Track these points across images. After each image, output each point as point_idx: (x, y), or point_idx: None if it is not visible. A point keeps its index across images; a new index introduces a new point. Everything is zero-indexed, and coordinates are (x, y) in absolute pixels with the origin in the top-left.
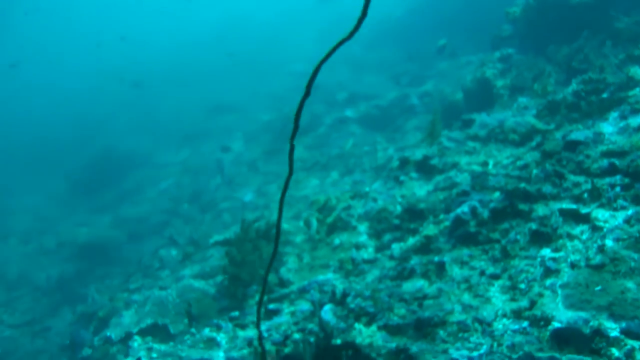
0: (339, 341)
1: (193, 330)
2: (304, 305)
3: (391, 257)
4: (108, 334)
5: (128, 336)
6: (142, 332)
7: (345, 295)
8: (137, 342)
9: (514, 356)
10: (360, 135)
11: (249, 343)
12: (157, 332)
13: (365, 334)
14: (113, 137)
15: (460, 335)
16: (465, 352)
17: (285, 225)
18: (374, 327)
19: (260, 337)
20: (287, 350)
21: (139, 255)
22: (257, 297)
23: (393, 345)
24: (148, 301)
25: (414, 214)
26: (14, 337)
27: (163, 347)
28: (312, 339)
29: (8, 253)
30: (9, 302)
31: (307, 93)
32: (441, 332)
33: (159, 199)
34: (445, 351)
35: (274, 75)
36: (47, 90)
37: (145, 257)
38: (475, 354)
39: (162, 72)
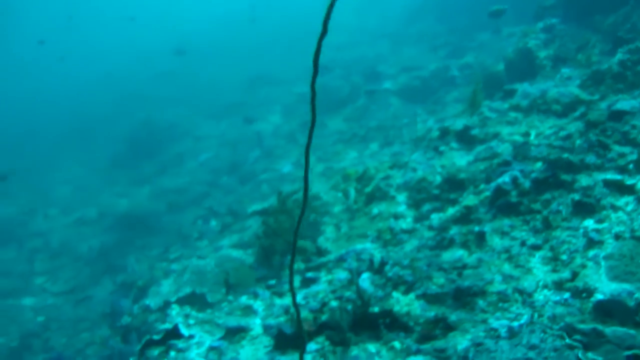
0: (376, 309)
1: (230, 297)
2: (342, 274)
3: (430, 227)
4: (147, 302)
5: (166, 304)
6: (180, 301)
7: (383, 263)
8: (175, 310)
9: (555, 327)
10: (400, 107)
11: (286, 310)
12: (195, 300)
13: (403, 303)
14: (153, 109)
15: (500, 305)
16: (505, 322)
17: (323, 196)
18: (412, 296)
19: (294, 298)
20: (324, 317)
21: (178, 226)
22: (294, 266)
23: (431, 314)
24: (186, 270)
25: (454, 184)
26: (57, 305)
27: (200, 314)
28: (349, 307)
29: (51, 223)
30: (52, 271)
31: (324, 31)
32: (480, 302)
33: (199, 170)
34: (484, 321)
35: (313, 47)
36: (87, 66)
37: (184, 228)
38: (515, 324)
39: (201, 46)
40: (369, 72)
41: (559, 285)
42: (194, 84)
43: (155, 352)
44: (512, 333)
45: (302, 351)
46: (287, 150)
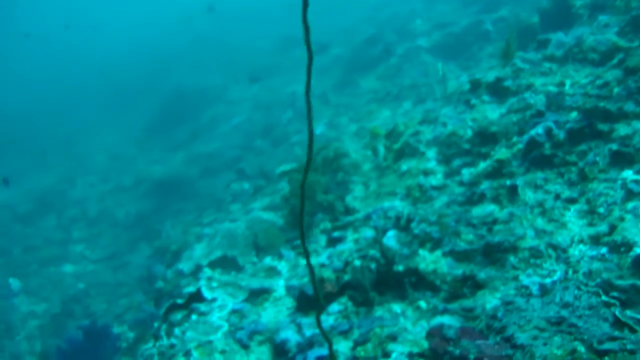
0: (401, 268)
1: (254, 259)
2: (368, 233)
3: (461, 183)
4: (180, 266)
5: (198, 268)
6: (212, 264)
7: (409, 220)
8: (206, 274)
9: (591, 283)
10: (433, 64)
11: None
12: (226, 263)
13: (429, 260)
14: (185, 75)
15: (532, 261)
16: (536, 279)
17: (352, 154)
18: (438, 253)
19: (308, 258)
20: (346, 277)
21: (212, 190)
22: (321, 226)
23: (459, 272)
24: (218, 234)
25: (485, 138)
26: (96, 272)
27: (224, 277)
28: (372, 266)
29: (89, 191)
30: (91, 238)
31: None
32: (511, 258)
33: (232, 134)
34: (515, 278)
35: (345, 8)
36: (120, 36)
37: (218, 192)
38: (547, 280)
39: (232, 9)
40: (401, 30)
41: (595, 240)
42: (225, 48)
43: (179, 316)
44: (545, 290)
45: (318, 313)
46: (320, 112)
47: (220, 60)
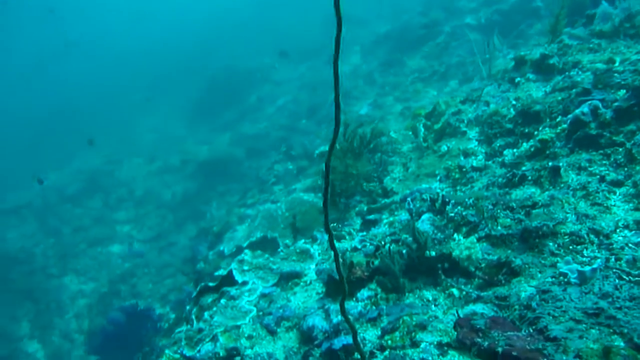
0: (433, 253)
1: (288, 242)
2: (404, 216)
3: (502, 164)
4: (221, 248)
5: (239, 250)
6: (252, 246)
7: (445, 203)
8: (247, 255)
9: (635, 272)
10: (480, 42)
11: (342, 254)
12: (266, 245)
13: (463, 246)
14: (232, 57)
15: (571, 247)
16: (575, 267)
17: (393, 135)
18: (473, 238)
19: (332, 240)
20: (376, 262)
21: (257, 171)
22: (357, 208)
23: (494, 257)
24: (259, 215)
25: (528, 117)
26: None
27: (256, 259)
28: (404, 251)
29: (136, 171)
30: (138, 218)
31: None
32: (550, 244)
33: (277, 115)
34: (553, 265)
35: None
36: (170, 20)
37: (262, 173)
38: (587, 268)
39: None
40: (449, 7)
41: None
42: (272, 31)
43: (209, 299)
44: (584, 279)
45: (342, 300)
46: (365, 92)
47: (268, 42)
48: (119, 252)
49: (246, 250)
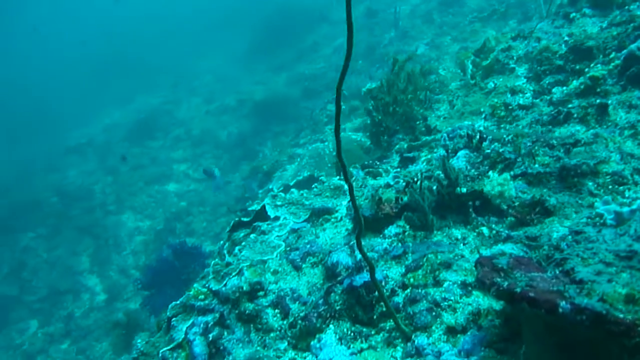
0: (464, 189)
1: (323, 175)
2: (442, 152)
3: (550, 102)
4: (270, 186)
5: (286, 189)
6: (298, 185)
7: (482, 139)
8: (294, 194)
9: None
10: None
11: (375, 191)
12: (312, 184)
13: (496, 182)
14: None
15: (612, 187)
16: (613, 207)
17: (441, 72)
18: (507, 175)
19: (346, 174)
20: (405, 198)
21: (311, 111)
22: (397, 146)
23: (528, 196)
24: (307, 154)
25: (580, 53)
26: (198, 191)
27: (289, 195)
28: (434, 187)
29: (194, 112)
30: (194, 158)
31: None
32: (589, 184)
33: (334, 55)
34: (590, 205)
35: None
36: None
37: (315, 113)
38: (625, 209)
39: None
40: None
41: None
42: None
43: (241, 234)
44: (621, 220)
45: (358, 236)
46: (422, 31)
47: None
48: (175, 190)
49: (292, 190)
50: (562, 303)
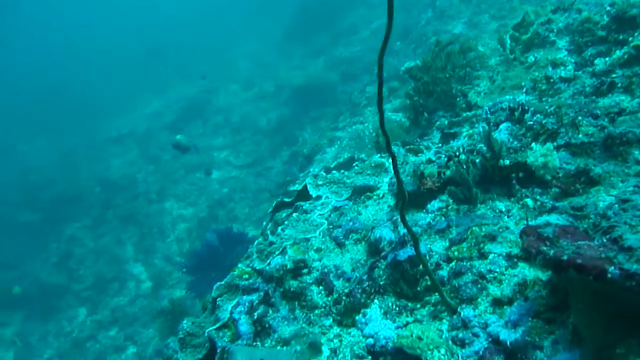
0: (507, 162)
1: (363, 156)
2: (484, 126)
3: (593, 74)
4: (310, 169)
5: (327, 171)
6: (339, 167)
7: (524, 112)
8: (335, 174)
9: None
10: None
11: (417, 167)
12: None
13: (539, 153)
14: None
15: None
16: None
17: (480, 48)
18: (550, 145)
19: (389, 146)
20: (448, 172)
21: (350, 95)
22: (438, 123)
23: (572, 166)
24: (347, 136)
25: (623, 22)
26: (239, 177)
27: (330, 174)
28: (477, 160)
29: (232, 99)
30: (234, 145)
31: None
32: (636, 152)
33: (371, 38)
34: (637, 174)
35: None
36: None
37: (354, 96)
38: None
39: None
40: None
41: None
42: None
43: (284, 214)
44: None
45: (401, 208)
46: (460, 10)
47: None
48: (217, 177)
49: (334, 172)
50: (611, 269)
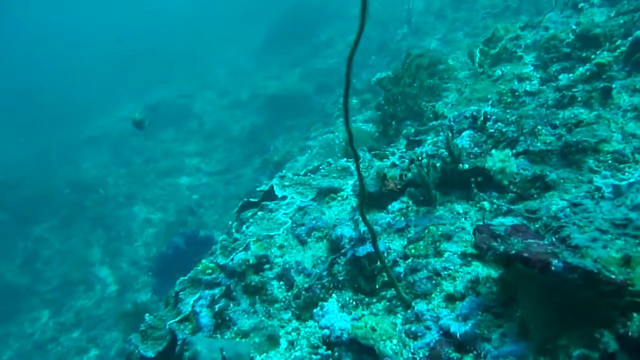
0: (466, 166)
1: (330, 160)
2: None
3: (556, 89)
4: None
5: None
6: (309, 173)
7: (486, 120)
8: (301, 175)
9: None
10: None
11: (379, 170)
12: None
13: (497, 158)
14: None
15: (612, 164)
16: (611, 181)
17: (450, 62)
18: (508, 151)
19: (351, 137)
20: (409, 175)
21: (324, 106)
22: (405, 131)
23: (529, 172)
24: (317, 145)
25: (587, 41)
26: (210, 184)
27: (296, 176)
28: (438, 164)
29: (207, 105)
30: (207, 152)
31: None
32: (590, 161)
33: (347, 50)
34: (590, 181)
35: None
36: None
37: (327, 106)
38: (623, 182)
39: None
40: None
41: None
42: None
43: (249, 213)
44: (618, 193)
45: (361, 206)
46: (434, 27)
47: None
48: (188, 183)
49: (301, 174)
50: (555, 262)
